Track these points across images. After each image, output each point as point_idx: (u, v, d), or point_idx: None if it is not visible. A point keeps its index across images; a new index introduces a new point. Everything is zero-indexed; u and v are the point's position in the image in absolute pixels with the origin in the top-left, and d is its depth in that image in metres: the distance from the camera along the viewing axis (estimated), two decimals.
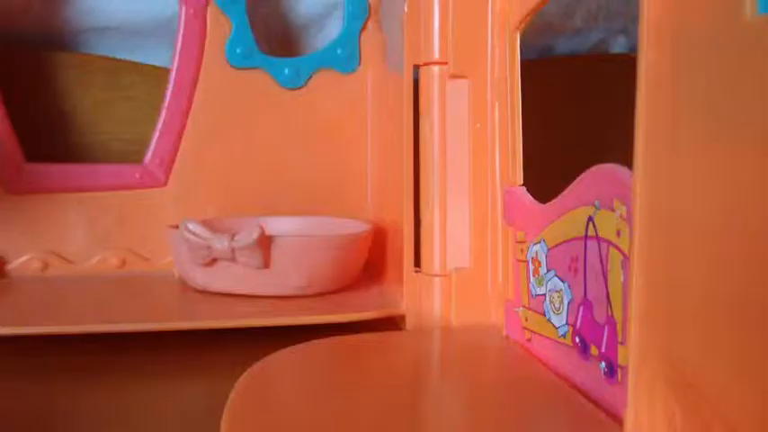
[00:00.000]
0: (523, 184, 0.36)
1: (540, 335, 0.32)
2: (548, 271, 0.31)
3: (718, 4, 0.18)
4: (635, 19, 0.22)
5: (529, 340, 0.33)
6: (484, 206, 0.38)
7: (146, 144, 0.50)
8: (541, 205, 0.33)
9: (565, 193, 0.30)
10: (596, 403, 0.27)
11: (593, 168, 0.28)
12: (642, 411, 0.22)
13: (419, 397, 0.30)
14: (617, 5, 0.59)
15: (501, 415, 0.27)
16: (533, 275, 0.33)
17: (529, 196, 0.35)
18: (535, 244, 0.33)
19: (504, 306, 0.36)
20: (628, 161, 0.23)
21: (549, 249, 0.31)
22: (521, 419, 0.26)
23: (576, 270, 0.28)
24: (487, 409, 0.27)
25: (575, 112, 0.59)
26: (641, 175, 0.22)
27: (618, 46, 0.62)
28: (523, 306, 0.34)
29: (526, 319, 0.34)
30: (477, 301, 0.38)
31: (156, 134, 0.50)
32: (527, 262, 0.34)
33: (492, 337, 0.36)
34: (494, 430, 0.26)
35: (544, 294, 0.32)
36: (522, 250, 0.34)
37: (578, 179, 0.29)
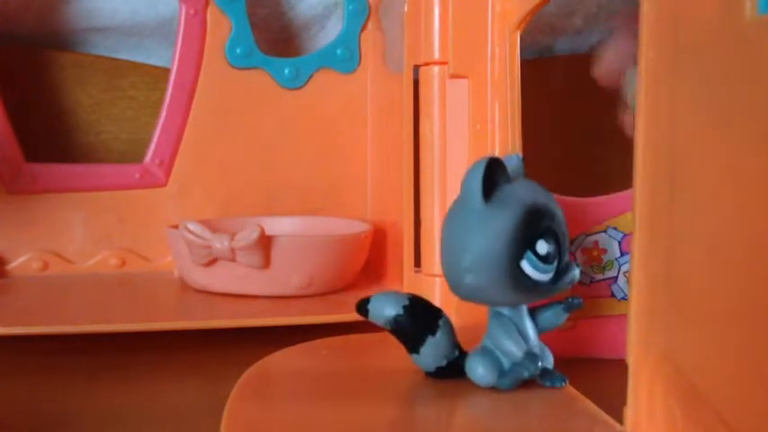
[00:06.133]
0: None
1: (604, 316, 0.36)
2: (622, 254, 0.36)
3: (718, 4, 0.18)
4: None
5: (571, 328, 0.35)
6: None
7: (146, 144, 0.50)
8: (594, 198, 0.35)
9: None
10: None
11: None
12: (642, 411, 0.22)
13: (419, 397, 0.30)
14: (617, 5, 0.58)
15: (501, 414, 0.27)
16: (585, 265, 0.36)
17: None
18: (591, 235, 0.36)
19: None
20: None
21: (624, 235, 0.36)
22: (520, 419, 0.26)
23: None
24: (490, 408, 0.27)
25: (575, 112, 0.59)
26: (641, 174, 0.22)
27: None
28: None
29: None
30: None
31: (156, 134, 0.49)
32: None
33: None
34: (494, 429, 0.26)
35: (614, 277, 0.36)
36: None
37: None
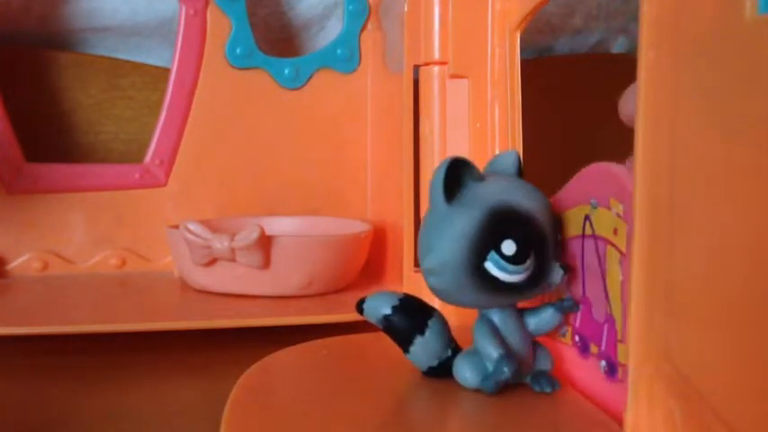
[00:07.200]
0: None
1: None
2: None
3: (719, 4, 0.18)
4: (635, 19, 0.22)
5: None
6: None
7: (146, 144, 0.50)
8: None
9: (559, 192, 0.30)
10: (596, 401, 0.27)
11: (589, 167, 0.28)
12: (642, 411, 0.22)
13: (419, 397, 0.30)
14: (617, 5, 0.59)
15: (500, 415, 0.27)
16: None
17: None
18: None
19: None
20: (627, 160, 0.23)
21: None
22: (519, 419, 0.26)
23: (573, 269, 0.28)
24: (487, 409, 0.27)
25: (575, 112, 0.59)
26: (641, 175, 0.22)
27: (618, 46, 0.63)
28: None
29: None
30: None
31: (156, 134, 0.50)
32: None
33: None
34: (493, 429, 0.26)
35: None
36: None
37: (574, 178, 0.29)
